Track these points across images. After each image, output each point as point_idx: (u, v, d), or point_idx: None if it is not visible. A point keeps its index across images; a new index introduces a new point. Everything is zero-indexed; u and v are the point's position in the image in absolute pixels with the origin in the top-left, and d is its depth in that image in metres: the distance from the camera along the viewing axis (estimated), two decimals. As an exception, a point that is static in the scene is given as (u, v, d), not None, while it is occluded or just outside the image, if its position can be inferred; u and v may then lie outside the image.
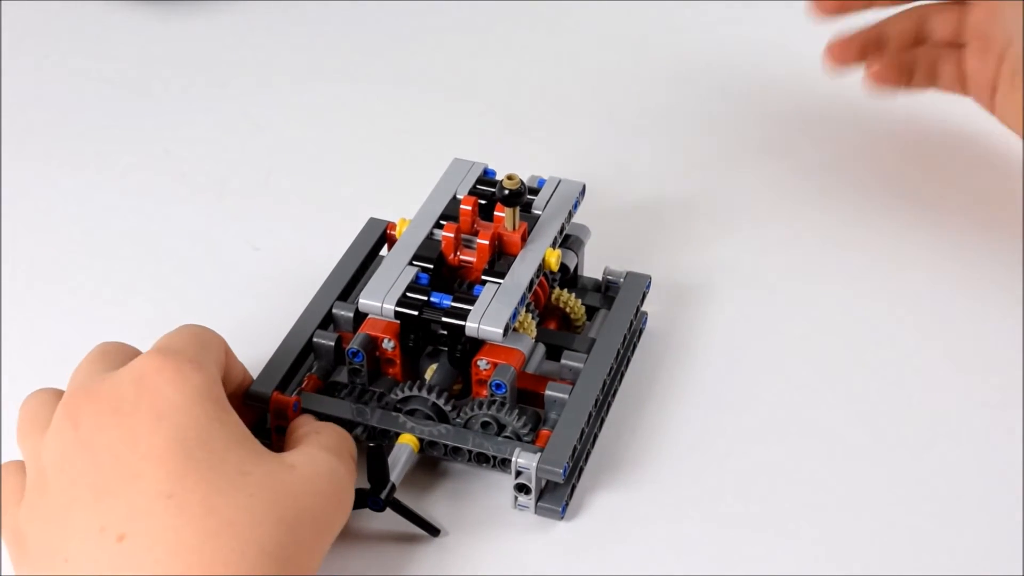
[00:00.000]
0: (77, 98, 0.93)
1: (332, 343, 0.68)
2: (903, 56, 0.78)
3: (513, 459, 0.63)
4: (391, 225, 0.73)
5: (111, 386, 0.58)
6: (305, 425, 0.63)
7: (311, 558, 0.58)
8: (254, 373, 0.67)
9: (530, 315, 0.68)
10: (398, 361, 0.67)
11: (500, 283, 0.66)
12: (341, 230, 0.75)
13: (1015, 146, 0.78)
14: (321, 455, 0.60)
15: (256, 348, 0.69)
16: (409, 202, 0.72)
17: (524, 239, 0.68)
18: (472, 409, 0.65)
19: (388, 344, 0.67)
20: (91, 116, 0.91)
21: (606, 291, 0.73)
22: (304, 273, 0.75)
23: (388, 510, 0.63)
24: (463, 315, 0.65)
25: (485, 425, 0.65)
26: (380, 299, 0.66)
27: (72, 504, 0.56)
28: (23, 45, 0.97)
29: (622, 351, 0.69)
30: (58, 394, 0.61)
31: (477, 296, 0.66)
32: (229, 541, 0.54)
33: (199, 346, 0.61)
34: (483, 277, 0.67)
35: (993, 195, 0.82)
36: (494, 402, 0.65)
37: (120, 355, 0.62)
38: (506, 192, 0.66)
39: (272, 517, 0.56)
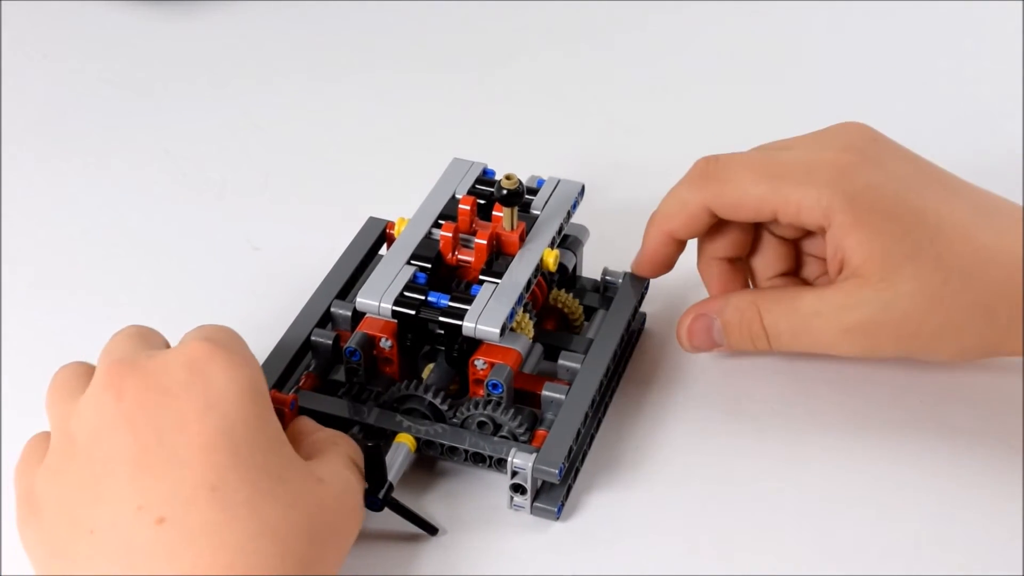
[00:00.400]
0: (77, 98, 0.93)
1: (330, 341, 0.68)
2: None
3: (509, 459, 0.63)
4: (390, 224, 0.73)
5: (160, 365, 0.57)
6: (318, 431, 0.63)
7: (334, 570, 0.58)
8: (253, 372, 0.67)
9: (528, 315, 0.68)
10: (395, 360, 0.67)
11: (498, 283, 0.66)
12: (341, 230, 0.75)
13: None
14: (345, 472, 0.60)
15: (255, 347, 0.69)
16: (408, 201, 0.72)
17: (522, 239, 0.68)
18: (469, 409, 0.65)
19: (385, 343, 0.67)
20: (91, 116, 0.91)
21: (604, 291, 0.73)
22: (304, 273, 0.75)
23: (386, 509, 0.63)
24: (460, 315, 0.65)
25: (482, 425, 0.65)
26: (378, 298, 0.66)
27: (104, 476, 0.56)
28: (23, 45, 0.97)
29: (620, 352, 0.69)
30: (92, 369, 0.61)
31: (475, 296, 0.66)
32: (270, 547, 0.54)
33: (244, 344, 0.61)
34: (481, 277, 0.67)
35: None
36: (491, 402, 0.65)
37: (157, 339, 0.62)
38: (504, 192, 0.66)
39: (306, 531, 0.56)
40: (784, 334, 0.67)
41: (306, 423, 0.64)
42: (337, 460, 0.61)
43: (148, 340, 0.61)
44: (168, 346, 0.62)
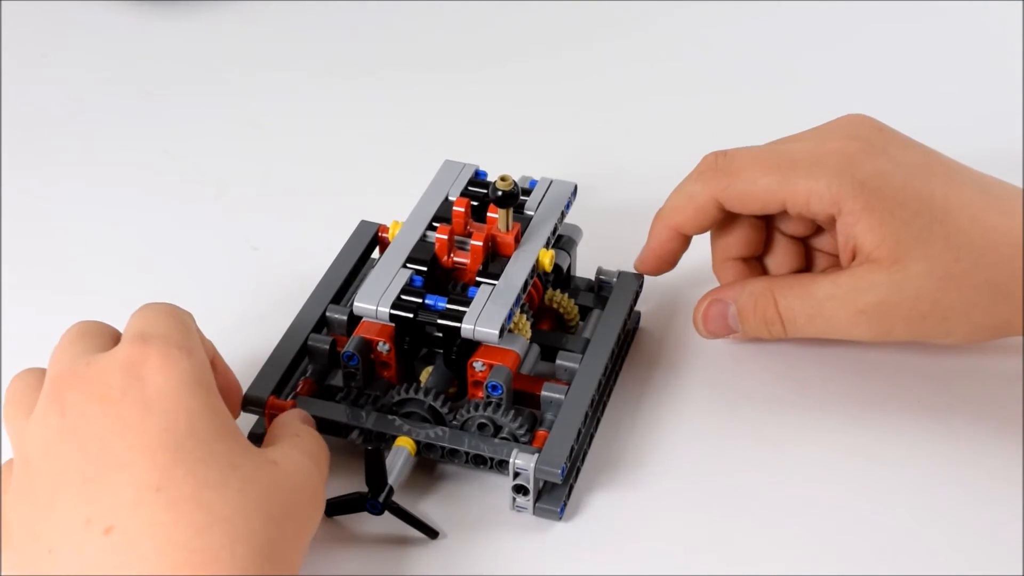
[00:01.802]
0: (77, 98, 0.93)
1: (327, 346, 0.68)
2: None
3: (511, 460, 0.63)
4: (382, 228, 0.73)
5: (98, 372, 0.57)
6: (288, 425, 0.63)
7: (295, 555, 0.57)
8: (250, 375, 0.67)
9: (524, 316, 0.68)
10: (393, 364, 0.67)
11: (494, 284, 0.66)
12: (341, 230, 0.75)
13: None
14: (296, 454, 0.60)
15: (254, 346, 0.69)
16: (399, 203, 0.72)
17: (517, 240, 0.68)
18: (468, 411, 0.65)
19: (383, 347, 0.67)
20: (91, 116, 0.91)
21: (599, 291, 0.73)
22: (303, 272, 0.75)
23: (386, 513, 0.63)
24: (458, 317, 0.65)
25: (482, 427, 0.65)
26: (375, 302, 0.66)
27: (57, 493, 0.56)
28: (23, 45, 0.98)
29: (616, 351, 0.69)
30: (42, 375, 0.60)
31: (472, 298, 0.65)
32: (220, 537, 0.54)
33: (183, 329, 0.60)
34: (477, 279, 0.67)
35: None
36: (490, 403, 0.65)
37: (100, 336, 0.61)
38: (499, 193, 0.66)
39: (262, 512, 0.55)
40: (799, 318, 0.67)
41: (285, 416, 0.64)
42: (290, 446, 0.60)
43: (90, 340, 0.60)
44: (117, 338, 0.61)
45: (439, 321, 0.65)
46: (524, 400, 0.67)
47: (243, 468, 0.56)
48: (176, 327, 0.60)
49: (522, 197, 0.70)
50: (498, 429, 0.65)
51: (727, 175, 0.67)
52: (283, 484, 0.57)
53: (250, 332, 0.72)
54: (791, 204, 0.66)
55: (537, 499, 0.64)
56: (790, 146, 0.67)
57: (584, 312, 0.73)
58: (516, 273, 0.67)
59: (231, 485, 0.55)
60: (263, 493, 0.56)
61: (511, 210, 0.67)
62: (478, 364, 0.66)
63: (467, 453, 0.65)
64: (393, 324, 0.66)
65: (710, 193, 0.67)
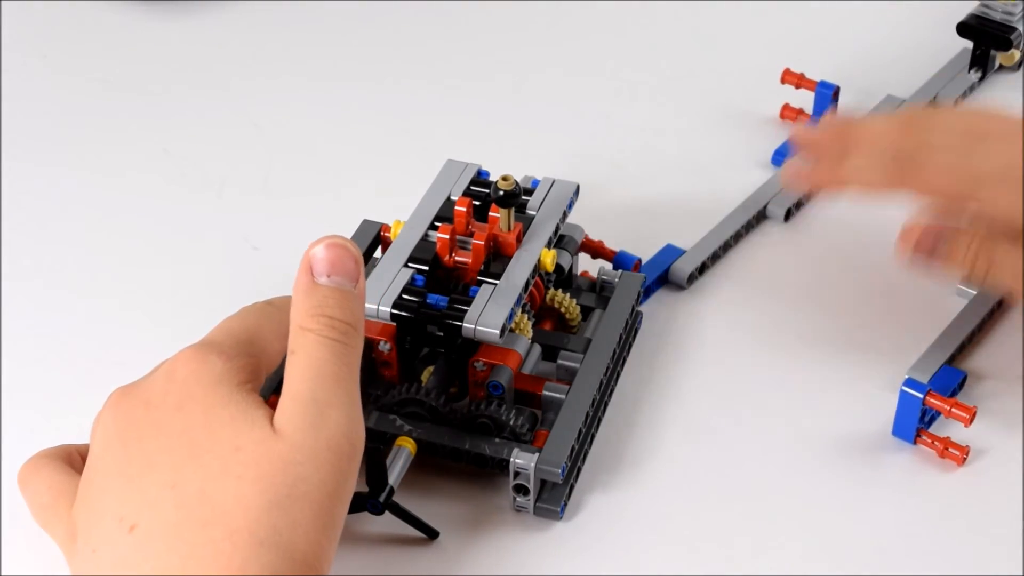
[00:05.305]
0: (77, 98, 0.93)
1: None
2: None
3: (511, 460, 0.63)
4: (384, 227, 0.73)
5: (149, 382, 0.59)
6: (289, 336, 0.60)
7: (316, 537, 0.55)
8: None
9: (526, 316, 0.68)
10: (394, 363, 0.67)
11: (496, 284, 0.66)
12: (342, 230, 0.74)
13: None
14: (305, 410, 0.57)
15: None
16: (402, 203, 0.72)
17: (519, 240, 0.68)
18: (469, 411, 0.65)
19: (384, 346, 0.67)
20: (91, 116, 0.91)
21: (601, 291, 0.73)
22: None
23: (386, 513, 0.63)
24: (459, 316, 0.65)
25: (483, 427, 0.65)
26: (376, 301, 0.66)
27: (103, 494, 0.57)
28: (23, 45, 0.97)
29: (618, 351, 0.69)
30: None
31: (473, 297, 0.66)
32: (219, 530, 0.54)
33: (237, 339, 0.60)
34: (479, 278, 0.67)
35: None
36: (491, 403, 0.65)
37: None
38: (501, 193, 0.66)
39: (263, 500, 0.54)
40: (1007, 273, 0.67)
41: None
42: (291, 396, 0.57)
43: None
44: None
45: (440, 320, 0.65)
46: (525, 400, 0.67)
47: (246, 449, 0.55)
48: (235, 331, 0.61)
49: (524, 197, 0.71)
50: (499, 429, 0.65)
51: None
52: (290, 457, 0.55)
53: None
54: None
55: (538, 499, 0.65)
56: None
57: (586, 312, 0.73)
58: (517, 273, 0.67)
59: (232, 473, 0.55)
60: (263, 476, 0.55)
61: (513, 210, 0.67)
62: (479, 364, 0.66)
63: (468, 453, 0.65)
64: (394, 323, 0.66)
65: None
